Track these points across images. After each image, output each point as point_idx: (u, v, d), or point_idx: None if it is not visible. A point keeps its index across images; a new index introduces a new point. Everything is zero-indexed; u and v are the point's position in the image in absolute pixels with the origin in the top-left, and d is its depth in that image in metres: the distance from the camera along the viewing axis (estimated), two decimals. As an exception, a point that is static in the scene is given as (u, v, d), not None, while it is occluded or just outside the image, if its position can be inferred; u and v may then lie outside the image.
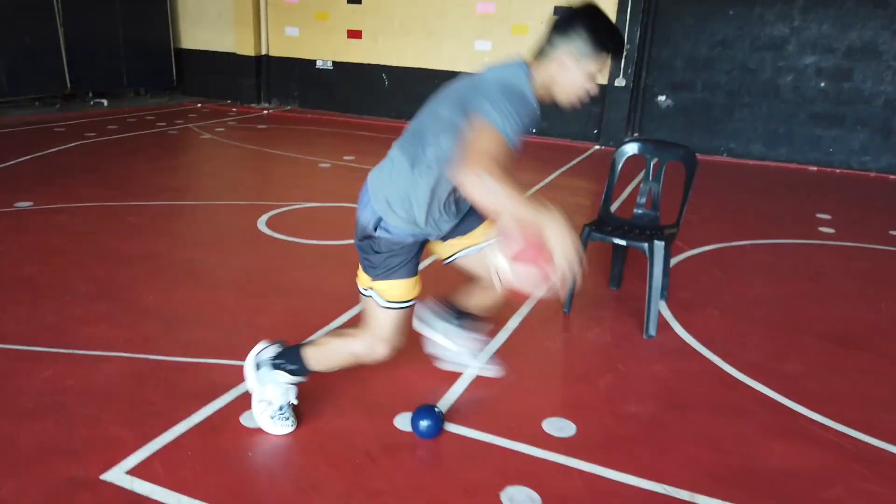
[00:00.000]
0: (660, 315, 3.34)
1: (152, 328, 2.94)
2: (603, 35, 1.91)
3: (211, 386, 2.51)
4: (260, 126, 8.47)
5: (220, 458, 2.13)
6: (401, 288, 2.09)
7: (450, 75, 8.65)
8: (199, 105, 9.79)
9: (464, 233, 2.27)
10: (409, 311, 2.17)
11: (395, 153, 2.04)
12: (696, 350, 3.03)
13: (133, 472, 2.03)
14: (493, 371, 2.69)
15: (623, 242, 3.15)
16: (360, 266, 2.16)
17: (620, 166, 3.42)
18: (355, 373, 2.47)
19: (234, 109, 9.62)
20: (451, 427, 2.34)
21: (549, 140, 8.18)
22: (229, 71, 9.99)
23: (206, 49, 10.20)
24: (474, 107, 1.78)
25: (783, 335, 3.24)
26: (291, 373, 2.22)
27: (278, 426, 2.23)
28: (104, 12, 9.17)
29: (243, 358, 2.37)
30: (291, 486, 2.02)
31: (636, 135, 8.06)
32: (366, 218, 2.06)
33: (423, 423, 2.27)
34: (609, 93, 7.87)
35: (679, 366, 2.90)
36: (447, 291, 2.61)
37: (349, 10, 9.11)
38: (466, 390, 2.59)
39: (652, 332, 3.10)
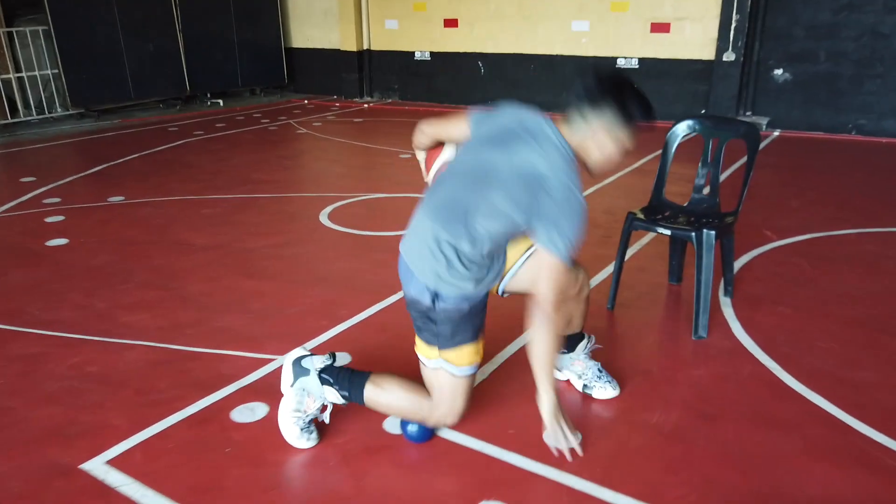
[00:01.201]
0: (720, 313, 2.98)
1: (186, 317, 3.02)
2: (633, 107, 1.89)
3: (216, 377, 2.52)
4: (356, 120, 8.62)
5: (198, 451, 2.11)
6: (470, 353, 2.03)
7: (546, 59, 8.40)
8: (305, 101, 10.14)
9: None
10: (474, 377, 2.09)
11: (434, 228, 1.94)
12: (750, 353, 2.66)
13: (113, 461, 2.06)
14: (611, 391, 2.39)
15: (668, 232, 2.82)
16: (417, 338, 2.07)
17: (675, 147, 3.07)
18: (351, 368, 2.37)
19: (337, 104, 9.86)
20: (444, 432, 2.19)
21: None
22: (334, 67, 10.26)
23: (314, 47, 10.53)
24: (541, 233, 1.87)
25: (863, 337, 2.78)
26: (341, 395, 2.09)
27: (304, 440, 2.10)
28: (219, 17, 9.71)
29: (259, 350, 2.37)
30: (256, 486, 1.96)
31: (749, 114, 7.36)
32: (417, 292, 1.98)
33: (411, 427, 2.14)
34: (716, 68, 7.24)
35: (724, 370, 2.56)
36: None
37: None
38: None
39: (702, 332, 2.77)
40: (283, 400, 2.11)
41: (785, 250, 3.78)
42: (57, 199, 4.90)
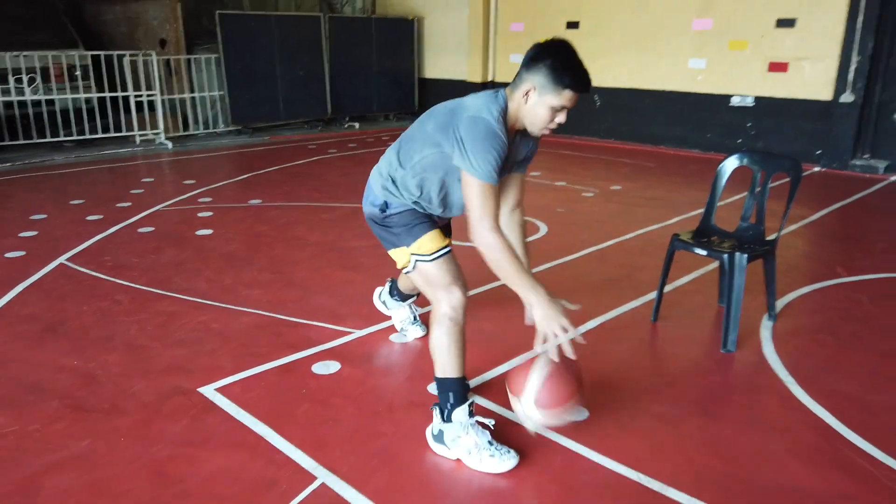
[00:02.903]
0: (757, 334, 3.20)
1: (290, 295, 3.67)
2: (563, 71, 2.06)
3: (305, 340, 3.12)
4: (475, 144, 9.22)
5: (281, 390, 2.70)
6: (431, 240, 2.35)
7: (661, 94, 8.79)
8: (432, 126, 10.91)
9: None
10: (449, 257, 2.35)
11: (391, 154, 2.45)
12: (772, 369, 2.88)
13: (220, 389, 2.69)
14: (419, 331, 3.13)
15: (704, 252, 3.10)
16: (391, 252, 2.52)
17: (726, 178, 3.33)
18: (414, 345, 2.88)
19: (461, 130, 10.54)
20: (479, 399, 2.63)
21: (764, 161, 7.64)
22: (461, 96, 10.95)
23: (444, 77, 11.33)
24: (457, 155, 2.09)
25: (893, 368, 2.90)
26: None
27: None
28: (363, 47, 10.75)
29: (344, 324, 3.22)
30: (317, 418, 2.51)
31: (866, 156, 7.17)
32: (372, 205, 2.49)
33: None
34: (834, 110, 7.14)
35: (740, 381, 2.81)
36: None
37: (568, 34, 9.47)
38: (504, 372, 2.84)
39: (730, 346, 3.01)
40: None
41: (851, 287, 3.87)
42: (209, 199, 5.84)
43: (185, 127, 9.22)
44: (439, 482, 2.17)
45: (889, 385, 2.77)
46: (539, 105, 2.12)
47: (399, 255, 2.46)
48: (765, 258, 3.20)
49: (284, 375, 2.82)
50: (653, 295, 3.65)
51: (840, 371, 2.87)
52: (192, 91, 9.24)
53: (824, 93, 7.26)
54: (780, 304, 3.53)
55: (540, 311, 2.01)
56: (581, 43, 9.56)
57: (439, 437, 2.28)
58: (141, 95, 8.49)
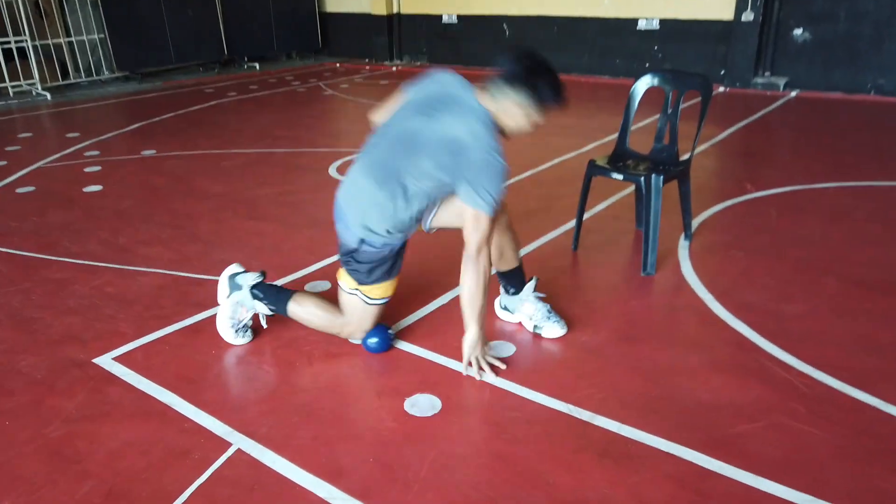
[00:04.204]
0: (674, 255, 3.22)
1: (194, 251, 3.42)
2: (551, 93, 2.13)
3: (214, 298, 2.89)
4: (383, 82, 8.91)
5: (189, 353, 2.51)
6: (383, 289, 2.38)
7: (568, 20, 8.61)
8: (337, 65, 10.46)
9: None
10: (384, 306, 2.43)
11: (370, 186, 2.23)
12: (691, 288, 2.91)
13: (118, 358, 2.47)
14: (559, 330, 2.57)
15: (620, 176, 3.07)
16: (341, 269, 2.39)
17: (638, 100, 3.28)
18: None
19: (367, 67, 10.16)
20: (400, 343, 2.53)
21: (670, 84, 7.72)
22: (365, 31, 10.53)
23: (346, 11, 10.81)
24: (464, 191, 2.11)
25: (802, 276, 2.99)
26: (269, 308, 2.51)
27: (239, 339, 2.53)
28: (256, -18, 10.07)
29: None
30: (232, 378, 2.35)
31: (767, 74, 7.37)
32: (348, 239, 2.31)
33: (371, 340, 2.48)
34: (735, 29, 7.25)
35: (660, 302, 2.83)
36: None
37: (473, -39, 9.16)
38: (429, 315, 2.75)
39: (650, 270, 3.02)
40: (219, 309, 2.56)
41: (759, 202, 3.96)
42: (96, 153, 5.38)
43: (65, 75, 8.44)
44: (365, 431, 2.06)
45: (798, 293, 2.85)
46: (523, 119, 2.18)
47: (348, 279, 2.39)
48: (679, 179, 3.20)
49: (192, 337, 2.62)
50: (572, 224, 3.62)
51: (754, 285, 2.93)
52: (67, 35, 8.43)
53: (726, 13, 7.35)
54: (695, 223, 3.58)
55: (471, 339, 2.28)
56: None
57: (239, 297, 2.47)
58: (8, 42, 7.66)
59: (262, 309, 2.51)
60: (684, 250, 3.28)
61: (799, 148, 5.17)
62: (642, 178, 2.97)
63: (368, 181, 2.24)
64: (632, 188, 4.09)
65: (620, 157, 3.28)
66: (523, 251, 3.29)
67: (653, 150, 3.31)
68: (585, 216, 3.46)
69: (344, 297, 2.42)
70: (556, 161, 4.87)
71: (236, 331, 2.53)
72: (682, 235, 3.40)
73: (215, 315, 2.75)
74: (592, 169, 3.15)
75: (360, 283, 2.35)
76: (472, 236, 2.15)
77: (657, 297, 2.87)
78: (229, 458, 1.94)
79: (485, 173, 2.09)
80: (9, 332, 2.68)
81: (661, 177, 2.95)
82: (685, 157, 3.26)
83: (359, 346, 2.51)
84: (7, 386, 2.32)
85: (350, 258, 2.34)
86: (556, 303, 2.74)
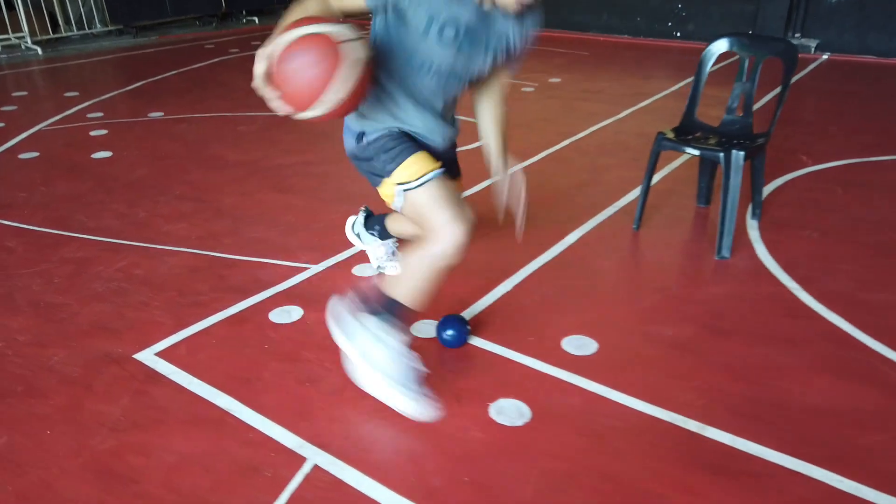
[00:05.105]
0: (745, 235, 3.00)
1: (222, 227, 3.16)
2: None
3: (254, 282, 2.67)
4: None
5: (238, 347, 2.27)
6: (416, 163, 1.93)
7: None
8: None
9: None
10: (443, 181, 1.94)
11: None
12: (771, 274, 2.70)
13: (161, 353, 2.23)
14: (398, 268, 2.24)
15: (696, 152, 2.82)
16: (378, 190, 2.06)
17: (710, 66, 3.02)
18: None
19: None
20: (474, 339, 2.31)
21: (693, 44, 7.41)
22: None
23: (349, -38, 10.28)
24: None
25: (886, 262, 2.79)
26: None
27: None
28: (254, -70, 9.52)
29: (293, 258, 2.73)
30: (291, 378, 2.12)
31: (797, 36, 7.07)
32: (350, 139, 2.05)
33: (448, 333, 2.25)
34: (766, -13, 6.92)
35: (743, 290, 2.61)
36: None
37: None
38: (496, 302, 2.53)
39: (725, 253, 2.80)
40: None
41: (819, 175, 3.74)
42: (100, 114, 5.03)
43: (55, 28, 7.96)
44: (450, 443, 1.85)
45: (886, 282, 2.65)
46: None
47: (385, 189, 2.01)
48: (754, 153, 2.96)
49: (238, 328, 2.38)
50: (626, 199, 3.39)
51: (836, 270, 2.73)
52: (57, -15, 7.93)
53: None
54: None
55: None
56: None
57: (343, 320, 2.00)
58: (-5, -8, 7.19)
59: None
60: (754, 231, 3.06)
61: (843, 116, 4.92)
62: (721, 154, 2.73)
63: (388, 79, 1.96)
64: (685, 159, 3.85)
65: (689, 129, 3.03)
66: (582, 230, 3.07)
67: (723, 121, 3.06)
68: (635, 191, 3.22)
69: (407, 211, 1.99)
70: (593, 129, 4.60)
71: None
72: (749, 213, 3.17)
73: (260, 302, 2.53)
74: (662, 143, 2.90)
75: (389, 174, 1.96)
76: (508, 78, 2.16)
77: (737, 284, 2.66)
78: (307, 476, 1.72)
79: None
80: (32, 321, 2.43)
81: (742, 153, 2.70)
82: (763, 131, 3.01)
83: (430, 340, 2.28)
84: (39, 386, 2.08)
85: (366, 163, 2.03)
86: (626, 288, 2.53)
